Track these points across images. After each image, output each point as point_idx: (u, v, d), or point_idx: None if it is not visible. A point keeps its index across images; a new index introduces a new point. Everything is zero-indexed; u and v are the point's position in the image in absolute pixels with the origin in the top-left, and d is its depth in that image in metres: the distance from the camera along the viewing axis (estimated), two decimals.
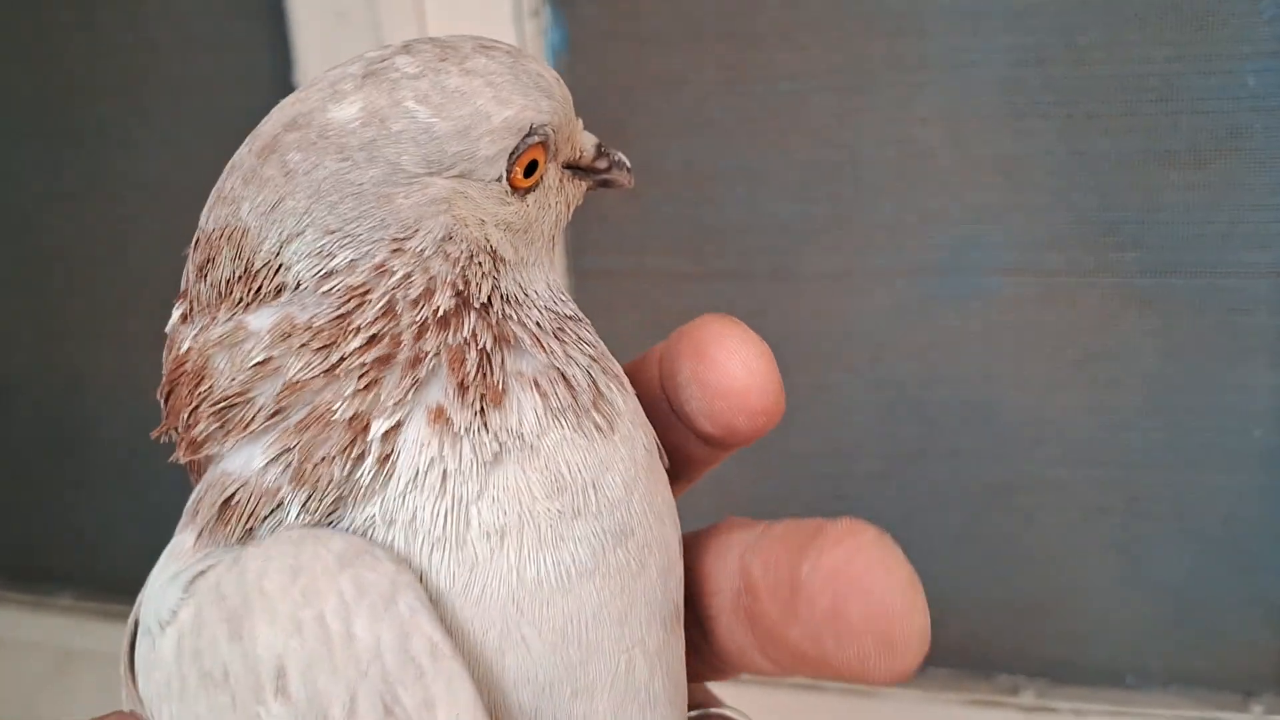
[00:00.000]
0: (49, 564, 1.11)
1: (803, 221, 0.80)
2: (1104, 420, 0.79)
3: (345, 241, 0.27)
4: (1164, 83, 0.72)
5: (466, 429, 0.27)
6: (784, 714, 0.88)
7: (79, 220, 0.99)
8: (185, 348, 0.29)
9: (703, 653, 0.33)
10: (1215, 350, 0.76)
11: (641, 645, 0.28)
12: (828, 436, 0.84)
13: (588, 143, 0.33)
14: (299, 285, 0.27)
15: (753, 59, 0.78)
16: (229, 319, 0.28)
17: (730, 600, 0.31)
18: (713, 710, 0.35)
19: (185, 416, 0.29)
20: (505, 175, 0.29)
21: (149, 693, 0.30)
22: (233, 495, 0.28)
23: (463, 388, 0.27)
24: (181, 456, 0.30)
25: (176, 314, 0.31)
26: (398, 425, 0.27)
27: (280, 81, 0.86)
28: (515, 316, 0.29)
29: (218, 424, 0.28)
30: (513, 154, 0.29)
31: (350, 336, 0.27)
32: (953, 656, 0.85)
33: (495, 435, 0.27)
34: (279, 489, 0.27)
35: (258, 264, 0.28)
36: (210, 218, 0.30)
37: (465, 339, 0.27)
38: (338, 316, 0.27)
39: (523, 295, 0.29)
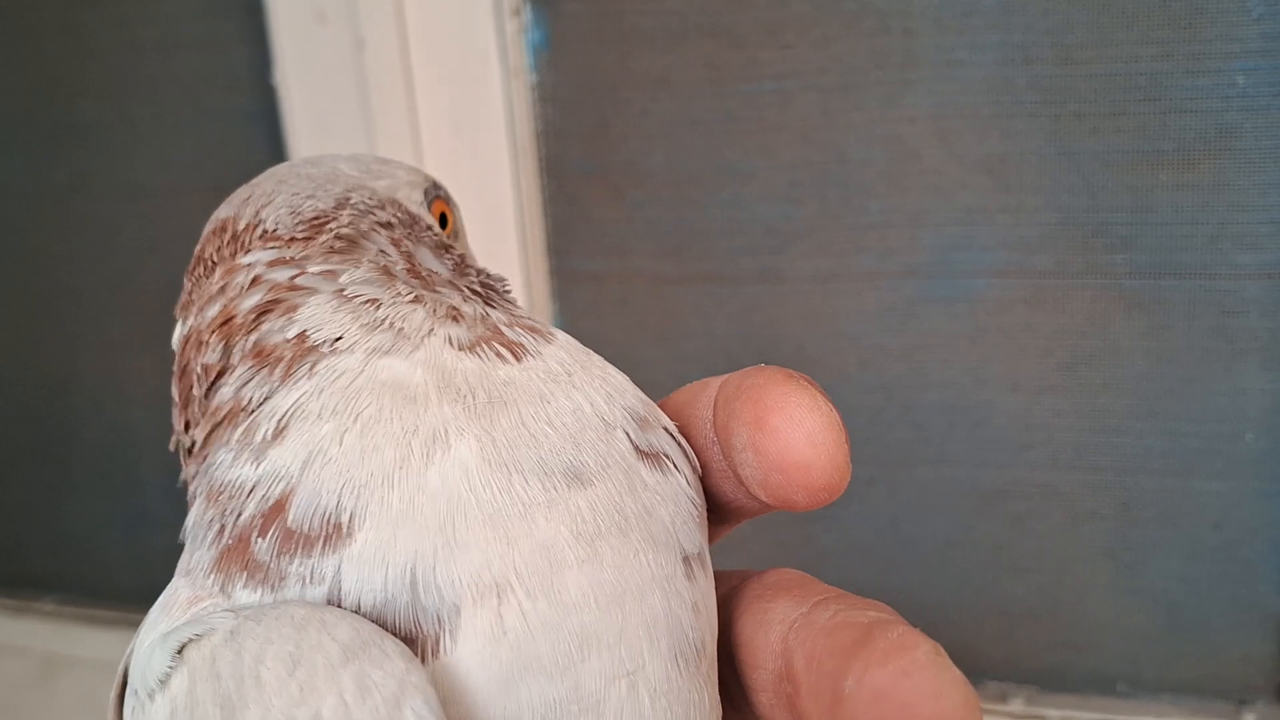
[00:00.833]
0: (32, 569, 1.10)
1: (789, 223, 0.79)
2: (1095, 424, 0.78)
3: (308, 200, 0.32)
4: (1152, 82, 0.71)
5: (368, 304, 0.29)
6: None
7: (62, 222, 0.98)
8: (186, 331, 0.31)
9: (747, 717, 0.30)
10: (1207, 353, 0.75)
11: (642, 672, 0.26)
12: None
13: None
14: (275, 229, 0.31)
15: (737, 58, 0.77)
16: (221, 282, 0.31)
17: (772, 680, 0.28)
18: None
19: (192, 382, 0.31)
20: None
21: None
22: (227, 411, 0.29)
23: (388, 273, 0.30)
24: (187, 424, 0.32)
25: (177, 329, 0.32)
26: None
27: (259, 81, 0.85)
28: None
29: (222, 351, 0.30)
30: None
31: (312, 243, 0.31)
32: None
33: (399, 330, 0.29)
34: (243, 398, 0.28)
35: (240, 227, 0.32)
36: (197, 247, 0.33)
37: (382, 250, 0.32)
38: (305, 238, 0.31)
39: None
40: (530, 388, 0.28)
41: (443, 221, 0.36)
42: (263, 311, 0.29)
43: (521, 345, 0.29)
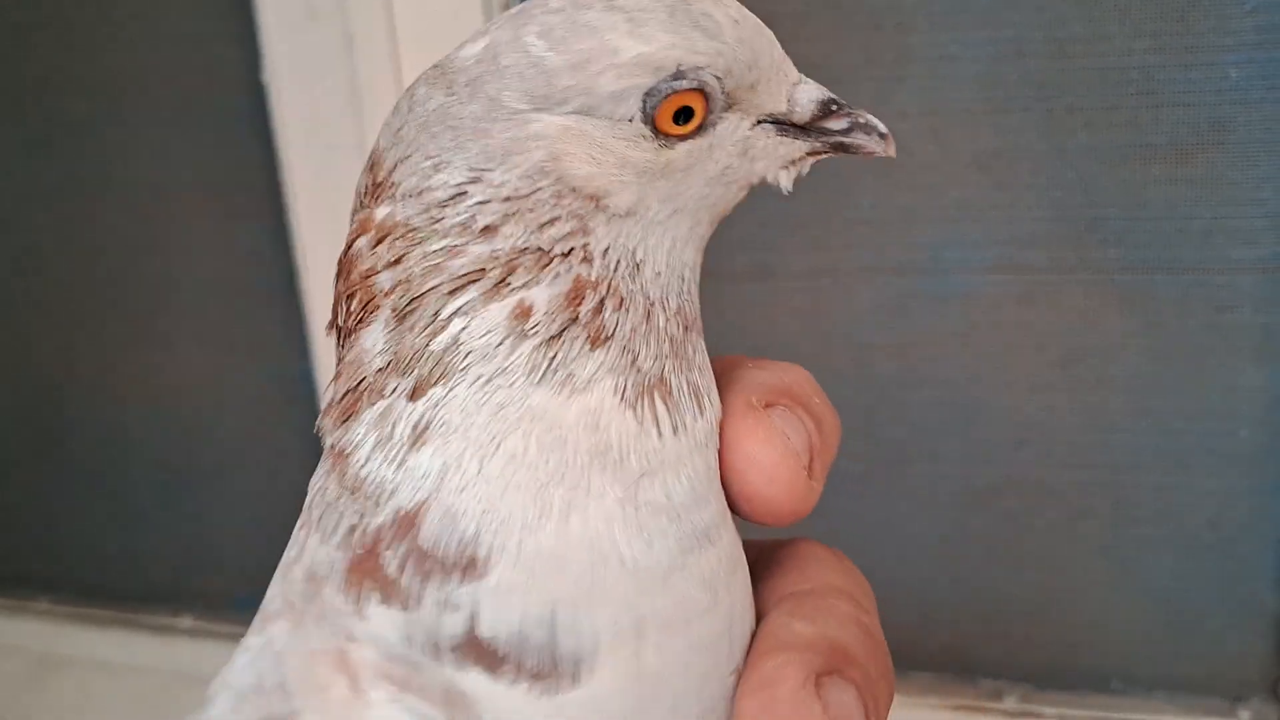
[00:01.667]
0: (26, 569, 1.10)
1: (782, 219, 0.79)
2: (1089, 421, 0.78)
3: (440, 167, 0.27)
4: (1145, 75, 0.71)
5: (534, 332, 0.27)
6: None
7: (55, 222, 0.98)
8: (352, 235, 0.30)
9: None
10: (1201, 349, 0.75)
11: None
12: None
13: (806, 96, 0.31)
14: (405, 197, 0.28)
15: None
16: (365, 213, 0.29)
17: None
18: None
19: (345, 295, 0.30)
20: (643, 117, 0.27)
21: None
22: (358, 384, 0.29)
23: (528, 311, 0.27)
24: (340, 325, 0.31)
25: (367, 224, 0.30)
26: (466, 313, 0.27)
27: (249, 79, 0.85)
28: (611, 278, 0.28)
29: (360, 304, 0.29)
30: (651, 94, 0.27)
31: (430, 241, 0.27)
32: (935, 661, 0.84)
33: (555, 360, 0.27)
34: (385, 382, 0.28)
35: (380, 177, 0.29)
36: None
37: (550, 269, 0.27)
38: (426, 228, 0.27)
39: (630, 258, 0.28)
40: (676, 455, 0.28)
41: (681, 117, 0.28)
42: (461, 287, 0.27)
43: (681, 415, 0.28)
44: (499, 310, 0.27)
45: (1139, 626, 0.80)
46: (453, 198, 0.27)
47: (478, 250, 0.27)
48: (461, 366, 0.26)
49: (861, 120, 0.32)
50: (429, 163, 0.28)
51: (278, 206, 0.87)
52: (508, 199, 0.27)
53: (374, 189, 0.29)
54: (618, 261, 0.28)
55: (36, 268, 1.00)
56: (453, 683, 0.26)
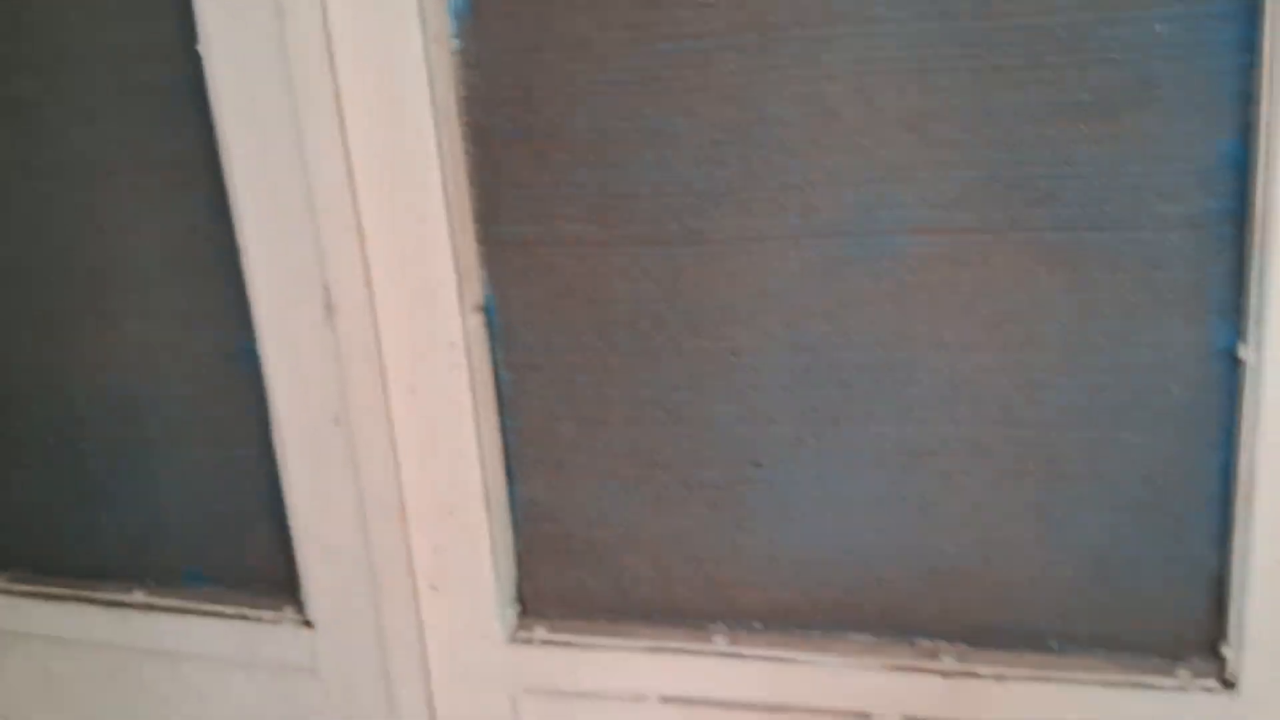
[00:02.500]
0: None
1: (711, 183, 0.79)
2: (1020, 380, 0.78)
3: None
4: (1072, 33, 0.71)
5: None
6: (707, 681, 0.87)
7: (0, 202, 0.98)
8: None
9: None
10: (1132, 306, 0.74)
11: None
12: (741, 402, 0.82)
13: None
14: None
15: (657, 17, 0.77)
16: None
17: None
18: None
19: None
20: None
21: None
22: None
23: None
24: None
25: None
26: None
27: (187, 50, 0.85)
28: None
29: None
30: None
31: None
32: (872, 622, 0.84)
33: None
34: None
35: None
36: None
37: None
38: None
39: None
40: None
41: None
42: None
43: None
44: None
45: (1075, 585, 0.81)
46: None
47: None
48: None
49: None
50: None
51: (216, 178, 0.87)
52: None
53: None
54: None
55: None
56: None
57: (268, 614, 0.97)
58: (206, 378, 0.96)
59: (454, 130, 0.82)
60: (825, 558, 0.84)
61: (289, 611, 0.97)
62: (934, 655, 0.83)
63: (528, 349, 0.86)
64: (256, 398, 0.93)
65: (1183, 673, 0.79)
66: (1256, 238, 0.70)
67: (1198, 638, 0.80)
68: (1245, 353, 0.73)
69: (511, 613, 0.92)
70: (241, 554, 1.00)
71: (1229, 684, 0.78)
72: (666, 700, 0.87)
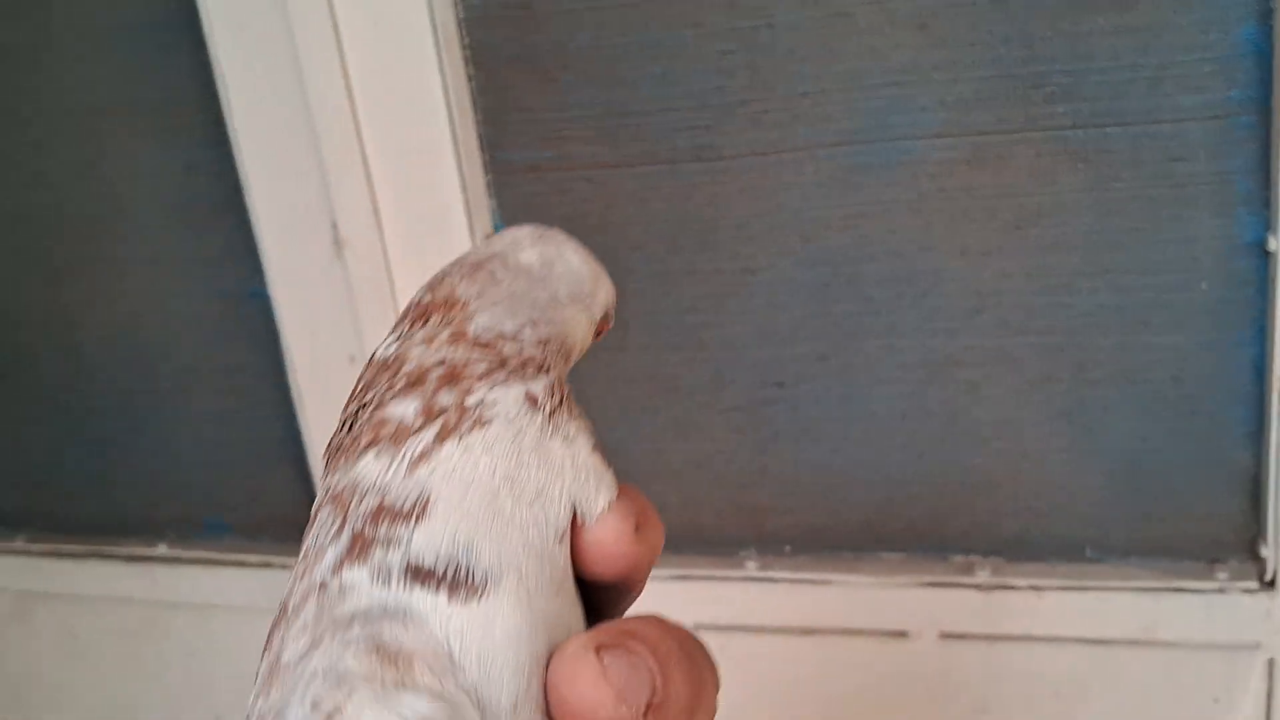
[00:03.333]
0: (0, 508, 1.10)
1: (721, 95, 0.77)
2: (1044, 284, 0.76)
3: (508, 318, 0.39)
4: None
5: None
6: (739, 607, 0.86)
7: None
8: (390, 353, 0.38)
9: None
10: (1154, 202, 0.73)
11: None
12: (761, 320, 0.81)
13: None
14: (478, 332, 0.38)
15: None
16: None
17: None
18: None
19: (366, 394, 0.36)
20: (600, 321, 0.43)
21: None
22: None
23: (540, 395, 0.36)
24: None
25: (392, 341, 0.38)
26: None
27: (188, 26, 0.84)
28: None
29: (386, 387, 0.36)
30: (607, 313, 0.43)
31: (489, 352, 0.37)
32: (904, 539, 0.83)
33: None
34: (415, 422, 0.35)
35: (456, 315, 0.38)
36: (432, 294, 0.39)
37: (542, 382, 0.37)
38: (489, 344, 0.38)
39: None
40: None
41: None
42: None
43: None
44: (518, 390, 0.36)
45: (1109, 491, 0.79)
46: (514, 333, 0.38)
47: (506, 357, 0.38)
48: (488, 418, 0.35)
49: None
50: (503, 315, 0.39)
51: (215, 117, 0.86)
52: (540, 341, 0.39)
53: (446, 307, 0.39)
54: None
55: None
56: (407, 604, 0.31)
57: (291, 560, 0.96)
58: (217, 322, 0.95)
59: (455, 54, 0.80)
60: (853, 476, 0.83)
61: None
62: (968, 570, 0.81)
63: None
64: (269, 340, 0.91)
65: (1221, 575, 0.78)
66: None
67: (1235, 539, 0.78)
68: (1274, 244, 0.71)
69: None
70: (262, 500, 0.99)
71: (1269, 584, 0.77)
72: (698, 628, 0.86)
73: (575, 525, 0.35)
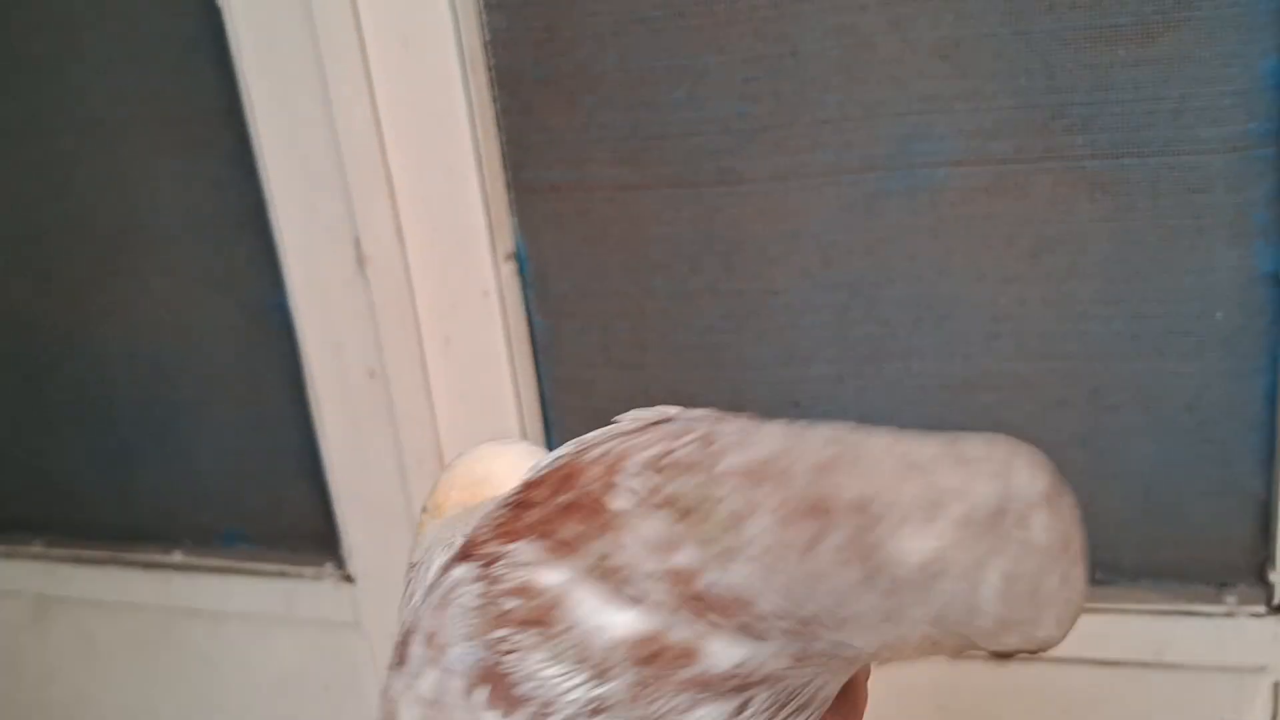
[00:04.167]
0: (18, 513, 1.10)
1: (745, 121, 0.78)
2: (1062, 311, 0.77)
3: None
4: None
5: None
6: None
7: (19, 161, 0.98)
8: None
9: None
10: (1173, 232, 0.74)
11: None
12: (780, 341, 0.82)
13: None
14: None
15: None
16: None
17: None
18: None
19: None
20: None
21: None
22: None
23: None
24: None
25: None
26: None
27: (205, 3, 0.84)
28: None
29: None
30: None
31: None
32: None
33: None
34: None
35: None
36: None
37: None
38: None
39: None
40: None
41: None
42: None
43: None
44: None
45: (1121, 515, 0.80)
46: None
47: None
48: None
49: None
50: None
51: (240, 132, 0.86)
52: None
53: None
54: None
55: (5, 208, 1.00)
56: None
57: (308, 570, 0.98)
58: (238, 336, 0.96)
59: (480, 75, 0.81)
60: None
61: (329, 567, 0.97)
62: None
63: (562, 296, 0.85)
64: (289, 354, 0.92)
65: (1230, 599, 0.79)
66: None
67: (1244, 564, 0.79)
68: None
69: None
70: (280, 511, 1.00)
71: (1277, 609, 0.77)
72: None
73: None
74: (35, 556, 1.08)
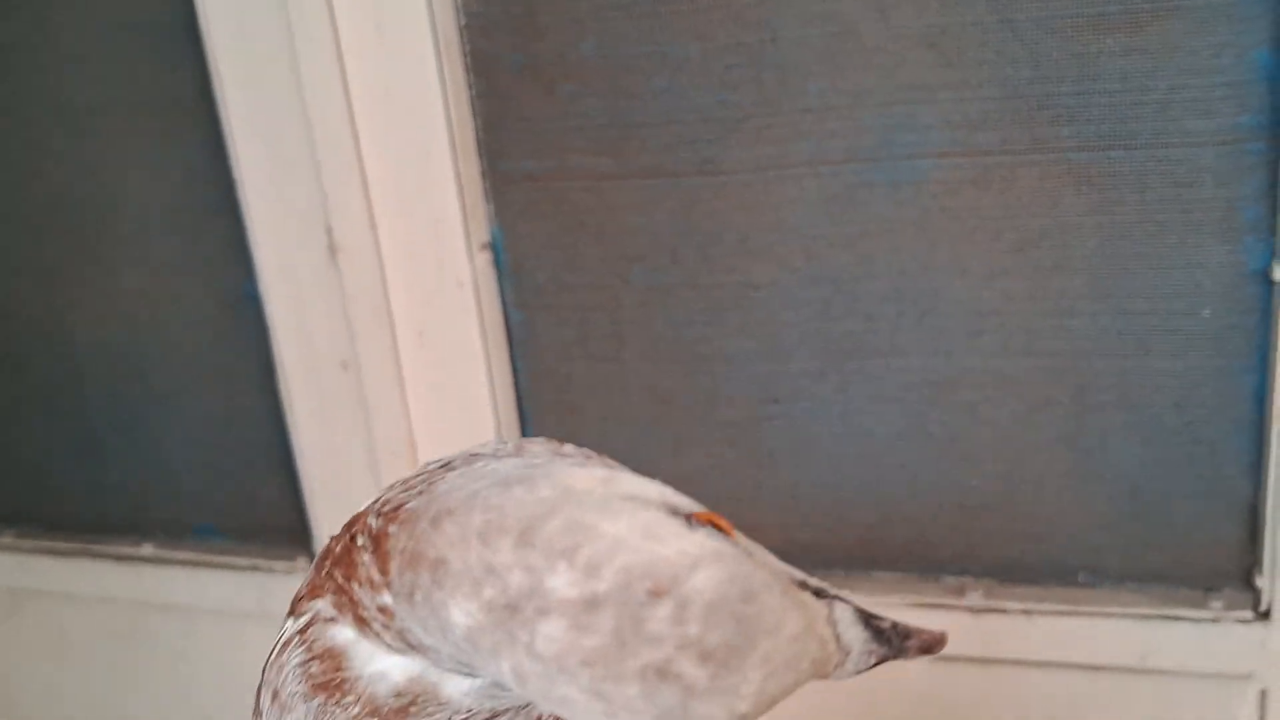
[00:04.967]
0: None
1: (725, 110, 0.76)
2: (1046, 307, 0.75)
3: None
4: None
5: None
6: None
7: None
8: None
9: None
10: (1160, 227, 0.72)
11: None
12: (760, 336, 0.80)
13: None
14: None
15: None
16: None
17: None
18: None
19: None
20: None
21: None
22: None
23: None
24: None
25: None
26: None
27: (187, 28, 0.83)
28: None
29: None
30: None
31: None
32: (897, 559, 0.82)
33: None
34: None
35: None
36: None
37: None
38: None
39: None
40: None
41: None
42: None
43: None
44: None
45: (1105, 517, 0.78)
46: None
47: None
48: None
49: None
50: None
51: (211, 118, 0.85)
52: None
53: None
54: None
55: None
56: None
57: (280, 564, 0.96)
58: (209, 325, 0.94)
59: (456, 60, 0.79)
60: (848, 495, 0.82)
61: (301, 562, 0.95)
62: (960, 592, 0.81)
63: (538, 287, 0.84)
64: (261, 344, 0.91)
65: (1216, 604, 0.77)
66: None
67: (1231, 568, 0.78)
68: None
69: None
70: (252, 504, 0.99)
71: (1264, 614, 0.76)
72: None
73: None
74: (5, 549, 1.07)
